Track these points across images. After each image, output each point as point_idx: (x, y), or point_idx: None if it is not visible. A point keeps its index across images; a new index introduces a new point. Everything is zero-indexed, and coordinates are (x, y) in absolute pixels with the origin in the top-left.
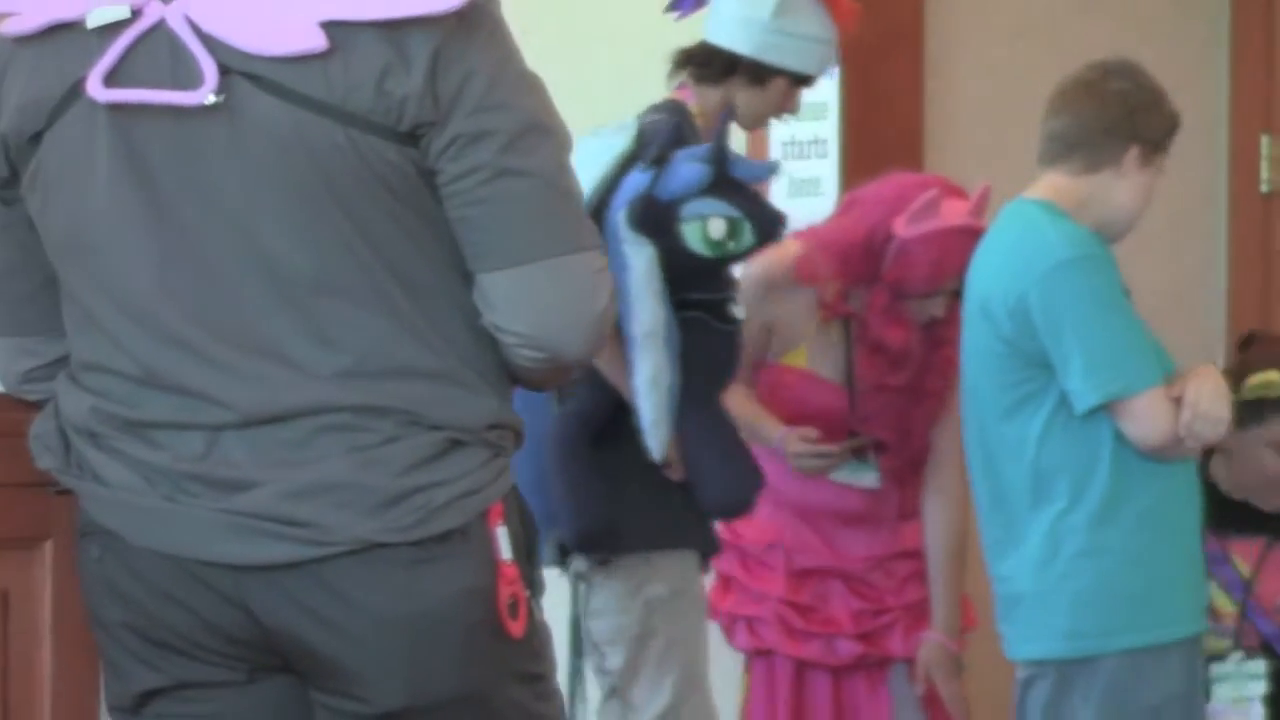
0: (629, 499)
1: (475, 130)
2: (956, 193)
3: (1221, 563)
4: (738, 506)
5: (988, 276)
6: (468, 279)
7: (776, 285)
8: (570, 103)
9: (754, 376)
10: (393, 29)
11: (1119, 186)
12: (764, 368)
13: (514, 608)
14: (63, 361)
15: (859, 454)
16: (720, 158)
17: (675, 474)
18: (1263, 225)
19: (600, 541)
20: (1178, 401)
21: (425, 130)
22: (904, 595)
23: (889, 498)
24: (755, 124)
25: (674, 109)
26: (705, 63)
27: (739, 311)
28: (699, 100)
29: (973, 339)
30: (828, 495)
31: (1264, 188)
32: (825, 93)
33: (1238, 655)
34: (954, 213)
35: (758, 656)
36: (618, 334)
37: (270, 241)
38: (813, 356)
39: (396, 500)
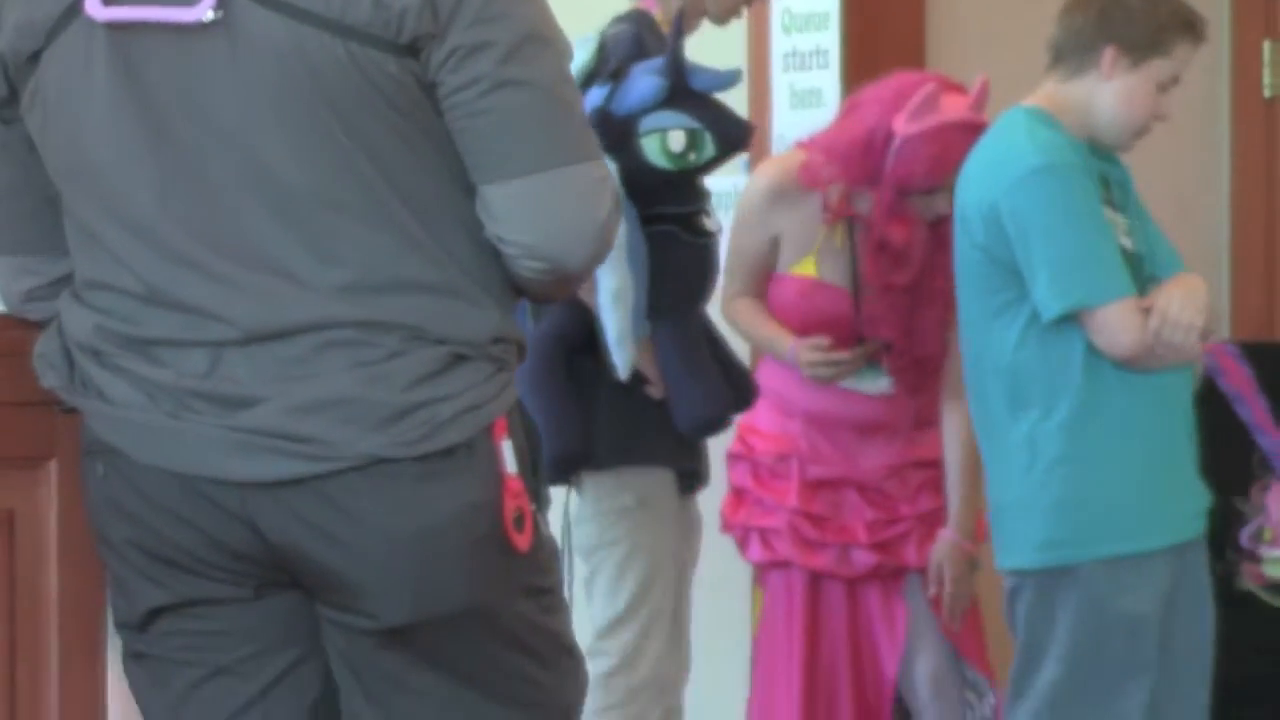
0: (601, 415)
1: (474, 41)
2: (956, 89)
3: None
4: (706, 425)
5: (966, 184)
6: (470, 192)
7: (782, 194)
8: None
9: (763, 289)
10: None
11: (1103, 90)
12: (772, 279)
13: (519, 521)
14: (65, 280)
15: (871, 359)
16: (676, 69)
17: (654, 390)
18: (1266, 130)
19: (575, 465)
20: (1149, 311)
21: (425, 43)
22: (918, 504)
23: (902, 406)
24: (727, 15)
25: (636, 19)
26: None
27: (711, 223)
28: (662, 8)
29: (957, 246)
30: (841, 404)
31: (1266, 93)
32: (826, 3)
33: None
34: (953, 107)
35: (772, 568)
36: None
37: (270, 157)
38: (820, 264)
39: (401, 415)
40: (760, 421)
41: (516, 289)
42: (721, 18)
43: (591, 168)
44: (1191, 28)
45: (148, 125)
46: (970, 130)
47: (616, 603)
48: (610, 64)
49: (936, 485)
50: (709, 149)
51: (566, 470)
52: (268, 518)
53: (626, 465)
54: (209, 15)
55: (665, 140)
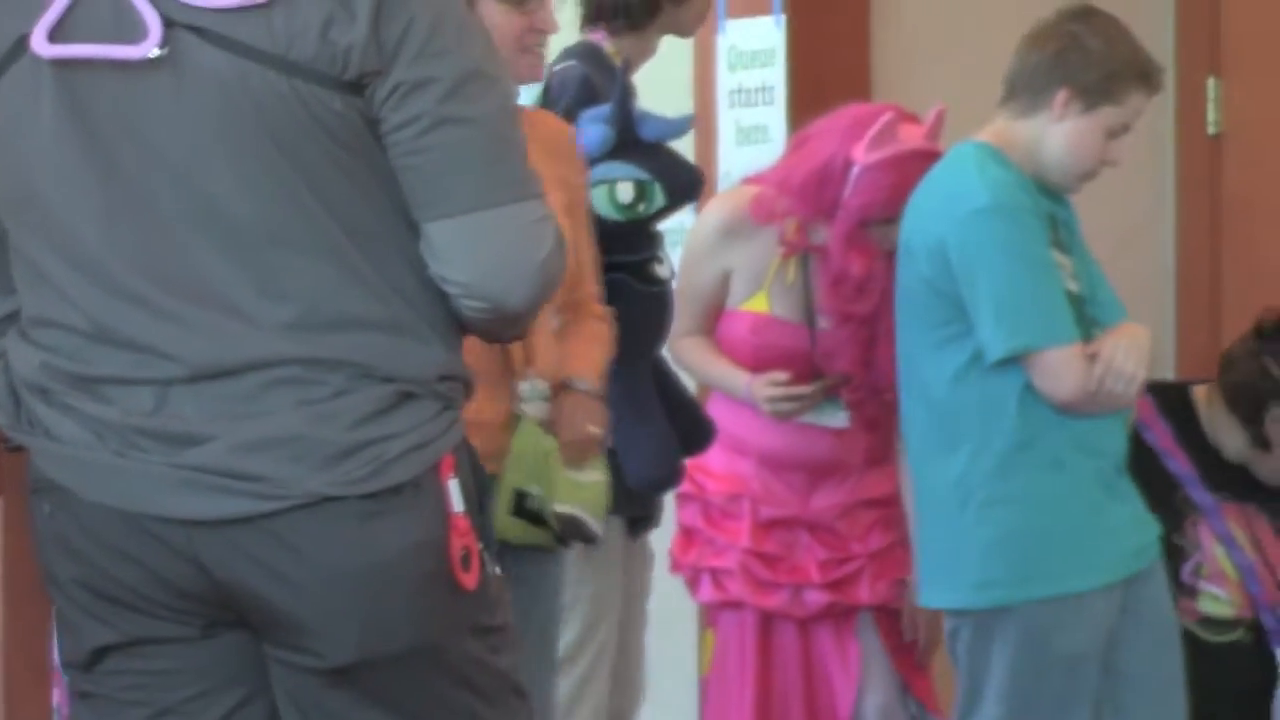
0: None
1: (416, 78)
2: (911, 118)
3: (1218, 517)
4: (655, 484)
5: (911, 216)
6: (416, 229)
7: (733, 230)
8: None
9: (713, 326)
10: None
11: (1052, 131)
12: (723, 316)
13: (466, 560)
14: (11, 319)
15: (831, 392)
16: (624, 119)
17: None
18: (1210, 167)
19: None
20: (1094, 358)
21: (370, 79)
22: (869, 543)
23: (855, 442)
24: (695, 25)
25: (584, 53)
26: (628, 11)
27: (663, 270)
28: (612, 42)
29: (900, 276)
30: (795, 443)
31: (1211, 130)
32: (771, 39)
33: None
34: (911, 136)
35: (724, 609)
36: None
37: (216, 193)
38: (772, 299)
39: (348, 453)
40: (711, 461)
41: (465, 329)
42: (691, 29)
43: (532, 206)
44: (1147, 78)
45: (94, 161)
46: (928, 159)
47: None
48: (558, 107)
49: (887, 523)
50: (658, 199)
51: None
52: (214, 556)
53: None
54: (154, 52)
55: (614, 191)
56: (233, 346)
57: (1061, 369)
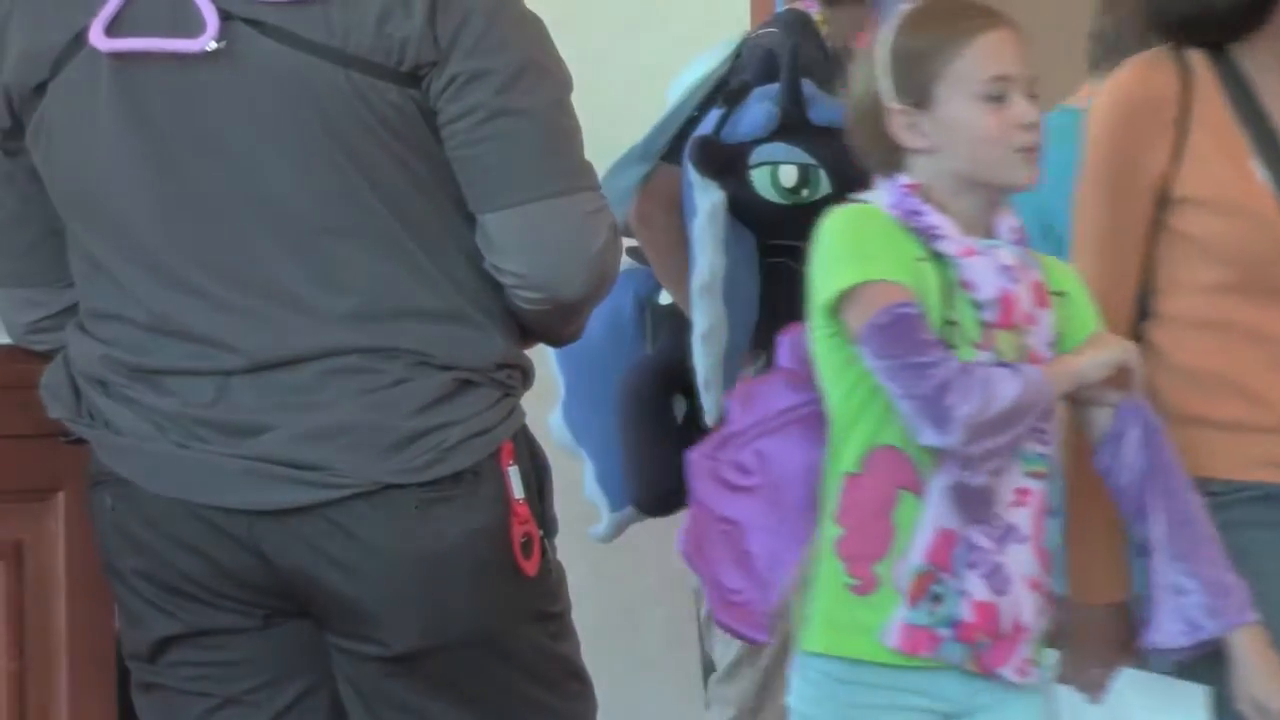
0: None
1: (473, 70)
2: None
3: None
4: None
5: (1047, 195)
6: (471, 220)
7: None
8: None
9: None
10: None
11: None
12: None
13: (527, 546)
14: (69, 311)
15: None
16: (794, 99)
17: None
18: None
19: (661, 508)
20: None
21: (426, 70)
22: None
23: None
24: None
25: (790, 20)
26: None
27: None
28: (823, 10)
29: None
30: None
31: None
32: None
33: None
34: None
35: None
36: None
37: (274, 185)
38: None
39: (409, 441)
40: None
41: (522, 326)
42: None
43: (587, 198)
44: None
45: (152, 154)
46: None
47: (734, 645)
48: (736, 80)
49: None
50: (824, 186)
51: (654, 512)
52: (276, 545)
53: None
54: (212, 45)
55: (776, 174)
56: (292, 337)
57: None
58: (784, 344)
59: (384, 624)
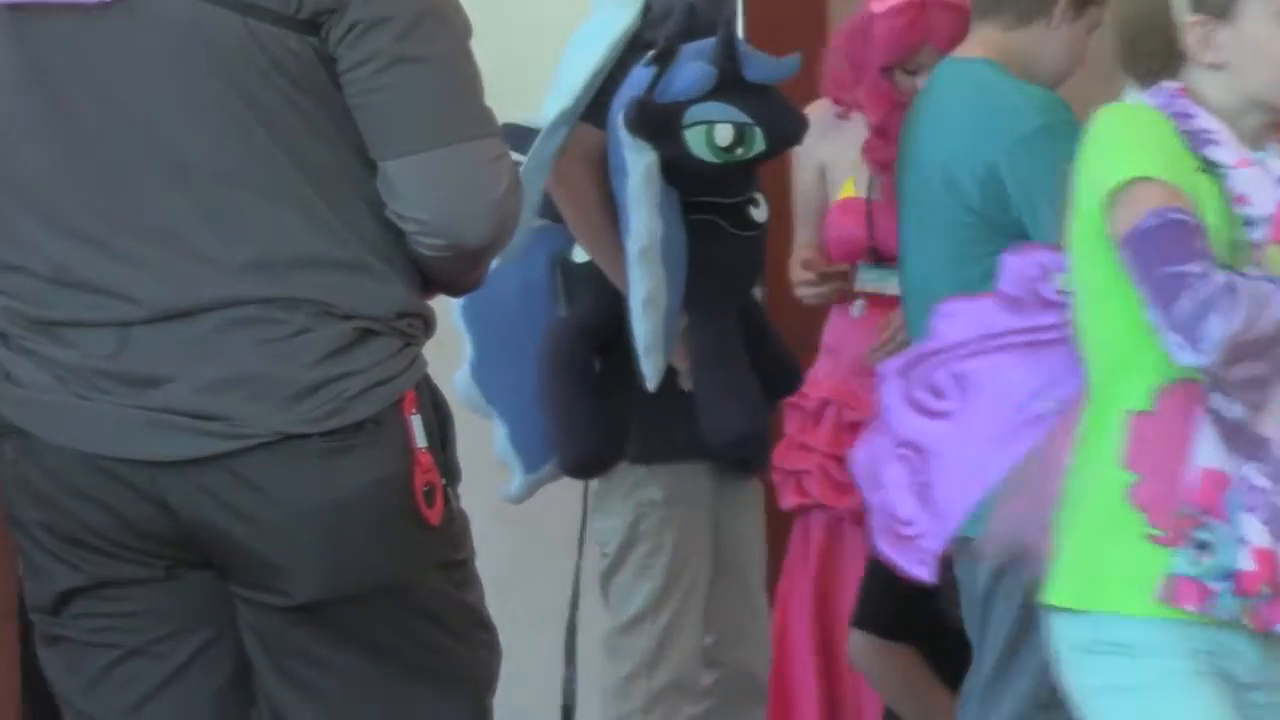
0: (631, 409)
1: (372, 17)
2: None
3: None
4: (734, 444)
5: (946, 144)
6: (372, 168)
7: (820, 127)
8: None
9: (820, 222)
10: None
11: (1050, 39)
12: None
13: (430, 495)
14: None
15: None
16: (729, 56)
17: (684, 383)
18: None
19: (589, 469)
20: None
21: (325, 18)
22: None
23: None
24: None
25: None
26: None
27: (758, 214)
28: None
29: (931, 211)
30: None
31: None
32: None
33: None
34: None
35: (800, 514)
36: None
37: (171, 135)
38: (856, 184)
39: (310, 391)
40: (816, 370)
41: (424, 275)
42: None
43: (489, 144)
44: None
45: (50, 107)
46: (942, 7)
47: (636, 599)
48: (658, 35)
49: None
50: (758, 144)
51: (581, 475)
52: (178, 496)
53: (657, 461)
54: None
55: (711, 133)
56: (192, 287)
57: None
58: (1007, 265)
59: (287, 574)
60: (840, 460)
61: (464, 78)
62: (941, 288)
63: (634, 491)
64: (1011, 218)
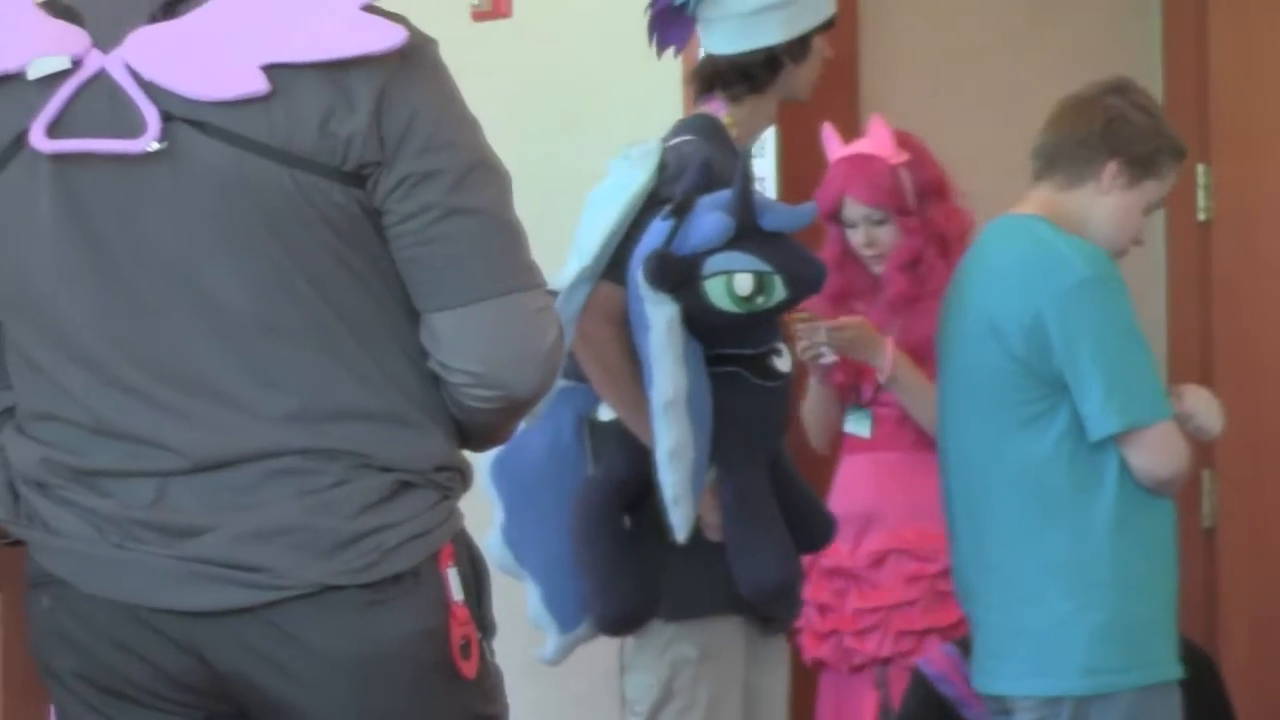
0: (666, 566)
1: (424, 170)
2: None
3: None
4: (766, 593)
5: (993, 293)
6: (413, 319)
7: None
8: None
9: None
10: (335, 70)
11: (1100, 204)
12: None
13: (466, 649)
14: (7, 414)
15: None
16: (745, 207)
17: (711, 534)
18: (1199, 254)
19: (626, 627)
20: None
21: (370, 170)
22: (896, 594)
23: (895, 491)
24: (809, 91)
25: (702, 126)
26: (748, 74)
27: (782, 364)
28: (731, 112)
29: (973, 358)
30: (845, 489)
31: (1201, 216)
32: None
33: None
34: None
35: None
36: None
37: (213, 285)
38: None
39: (349, 543)
40: None
41: (461, 428)
42: (808, 89)
43: (536, 295)
44: (1182, 155)
45: (91, 255)
46: (849, 162)
47: None
48: (675, 191)
49: (915, 577)
50: (779, 292)
51: (618, 632)
52: (214, 647)
53: (689, 617)
54: (153, 145)
55: (731, 283)
56: (232, 438)
57: (1167, 444)
58: None
59: None
60: (821, 610)
61: (512, 228)
62: (989, 434)
63: (667, 649)
64: (1053, 368)
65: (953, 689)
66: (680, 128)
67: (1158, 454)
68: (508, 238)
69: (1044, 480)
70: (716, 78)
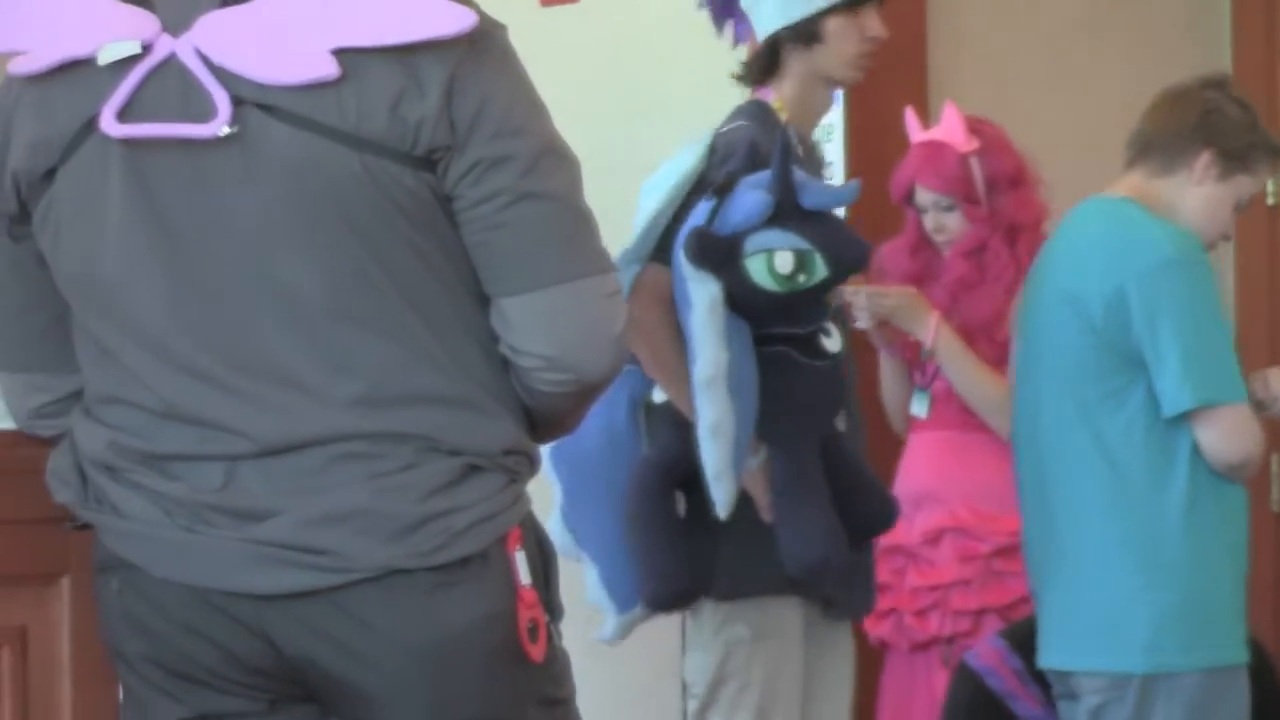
0: (717, 544)
1: (496, 155)
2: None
3: None
4: (809, 570)
5: (1077, 268)
6: (482, 304)
7: None
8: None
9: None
10: (405, 54)
11: (1191, 194)
12: None
13: (534, 632)
14: (75, 397)
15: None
16: (785, 185)
17: (763, 514)
18: (1269, 238)
19: (675, 605)
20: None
21: (441, 154)
22: (952, 573)
23: (948, 470)
24: (849, 73)
25: (755, 112)
26: (759, 64)
27: (831, 344)
28: (779, 92)
29: (1052, 332)
30: (905, 469)
31: (1270, 200)
32: (831, 114)
33: None
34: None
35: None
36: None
37: (283, 270)
38: None
39: (417, 526)
40: None
41: (528, 411)
42: (847, 79)
43: (608, 280)
44: (1277, 154)
45: (161, 240)
46: (923, 148)
47: None
48: (720, 173)
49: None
50: (820, 270)
51: (664, 609)
52: (283, 630)
53: (742, 597)
54: (224, 130)
55: (771, 260)
56: (300, 422)
57: (1239, 427)
58: None
59: (391, 709)
60: (880, 589)
61: (583, 213)
62: (1074, 404)
63: (721, 629)
64: (1131, 343)
65: (1000, 682)
66: (734, 114)
67: (1229, 436)
68: (578, 222)
69: (1117, 457)
70: (750, 65)
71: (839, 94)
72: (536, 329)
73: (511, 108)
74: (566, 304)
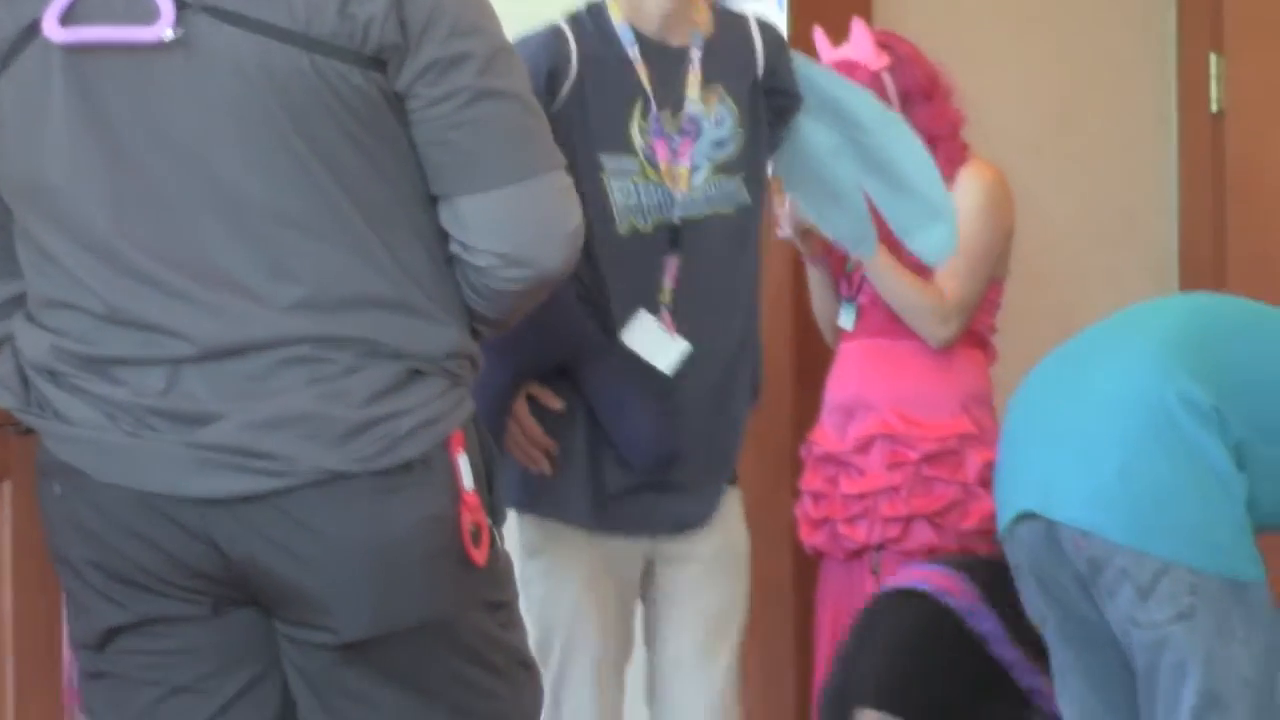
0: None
1: (453, 54)
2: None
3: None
4: (646, 456)
5: None
6: (429, 206)
7: None
8: None
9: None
10: None
11: None
12: None
13: (476, 535)
14: (16, 302)
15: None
16: None
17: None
18: (1212, 144)
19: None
20: None
21: (390, 54)
22: (880, 480)
23: (877, 379)
24: None
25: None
26: None
27: None
28: None
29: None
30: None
31: (1213, 107)
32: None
33: None
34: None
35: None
36: None
37: (226, 172)
38: None
39: (359, 430)
40: None
41: (472, 312)
42: None
43: (561, 176)
44: None
45: (104, 144)
46: (834, 67)
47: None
48: None
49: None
50: None
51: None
52: (227, 534)
53: (521, 511)
54: (168, 34)
55: None
56: (243, 326)
57: None
58: None
59: (334, 612)
60: (814, 497)
61: (536, 111)
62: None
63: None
64: None
65: (957, 600)
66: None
67: None
68: (535, 119)
69: None
70: None
71: (783, 6)
72: (494, 227)
73: (465, 7)
74: (525, 201)
